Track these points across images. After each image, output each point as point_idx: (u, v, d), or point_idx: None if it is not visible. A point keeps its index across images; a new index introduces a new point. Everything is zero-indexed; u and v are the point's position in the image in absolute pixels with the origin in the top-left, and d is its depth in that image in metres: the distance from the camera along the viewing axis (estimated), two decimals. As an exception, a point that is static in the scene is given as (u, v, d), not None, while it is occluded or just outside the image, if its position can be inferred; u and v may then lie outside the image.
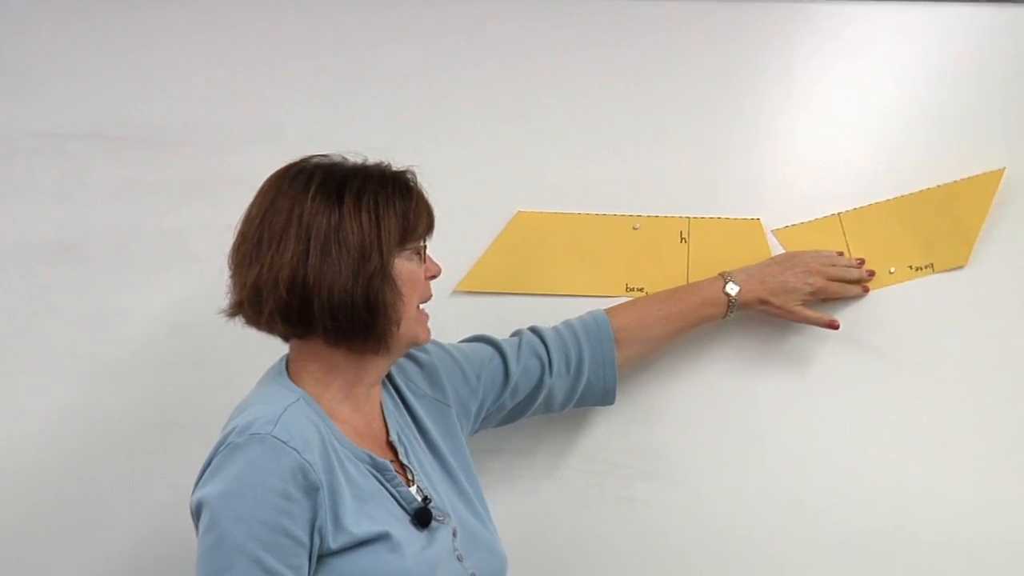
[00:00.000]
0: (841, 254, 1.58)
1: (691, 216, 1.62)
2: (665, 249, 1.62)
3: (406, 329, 1.25)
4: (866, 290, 1.58)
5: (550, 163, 1.64)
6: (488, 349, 1.46)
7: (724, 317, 1.53)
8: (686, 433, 1.61)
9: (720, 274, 1.54)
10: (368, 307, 1.20)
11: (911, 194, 1.59)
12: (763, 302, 1.53)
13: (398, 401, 1.37)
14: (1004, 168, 1.58)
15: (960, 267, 1.59)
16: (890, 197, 1.60)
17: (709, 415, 1.61)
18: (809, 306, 1.55)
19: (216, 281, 1.56)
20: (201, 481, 1.16)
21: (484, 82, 1.65)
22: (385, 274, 1.20)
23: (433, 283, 1.31)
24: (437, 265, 1.30)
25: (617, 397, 1.52)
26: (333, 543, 1.15)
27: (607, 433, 1.62)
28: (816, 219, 1.61)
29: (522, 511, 1.61)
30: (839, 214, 1.61)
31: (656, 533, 1.61)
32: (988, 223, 1.58)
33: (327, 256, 1.17)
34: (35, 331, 1.66)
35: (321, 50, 1.66)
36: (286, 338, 1.27)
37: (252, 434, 1.13)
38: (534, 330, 1.50)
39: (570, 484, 1.62)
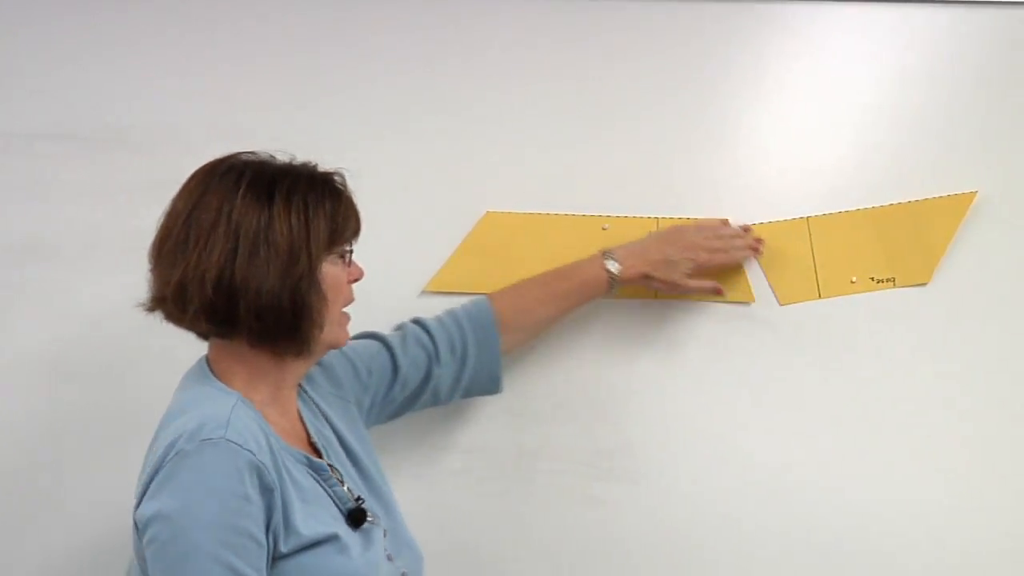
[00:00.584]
0: (726, 222, 1.59)
1: (660, 216, 1.62)
2: None
3: (328, 332, 1.24)
4: (758, 251, 1.59)
5: (519, 163, 1.64)
6: (375, 344, 1.45)
7: (608, 294, 1.53)
8: (652, 434, 1.62)
9: (601, 251, 1.53)
10: (294, 310, 1.19)
11: (881, 207, 1.60)
12: (646, 277, 1.53)
13: (309, 402, 1.35)
14: (976, 192, 1.58)
15: (922, 284, 1.60)
16: (860, 203, 1.60)
17: (674, 416, 1.62)
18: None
19: None
20: (148, 494, 1.11)
21: (453, 82, 1.64)
22: (312, 278, 1.19)
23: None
24: (360, 269, 1.29)
25: (503, 386, 1.53)
26: (284, 546, 1.13)
27: (574, 434, 1.63)
28: (783, 220, 1.61)
29: (490, 512, 1.63)
30: (807, 218, 1.61)
31: (622, 533, 1.62)
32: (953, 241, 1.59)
33: (255, 256, 1.16)
34: (2, 331, 1.66)
35: (289, 51, 1.65)
36: (206, 337, 1.26)
37: (204, 439, 1.10)
38: (417, 321, 1.49)
39: (537, 485, 1.63)
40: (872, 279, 1.60)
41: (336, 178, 1.25)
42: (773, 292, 1.62)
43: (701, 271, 1.54)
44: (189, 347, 1.48)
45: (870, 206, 1.60)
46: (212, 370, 1.25)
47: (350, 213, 1.25)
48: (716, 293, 1.56)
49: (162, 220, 1.23)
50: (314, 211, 1.20)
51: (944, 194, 1.59)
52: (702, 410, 1.61)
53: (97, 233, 1.65)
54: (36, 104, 1.66)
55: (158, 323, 1.59)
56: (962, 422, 1.59)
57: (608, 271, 1.51)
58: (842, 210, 1.61)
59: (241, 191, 1.18)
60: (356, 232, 1.27)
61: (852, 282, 1.61)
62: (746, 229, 1.59)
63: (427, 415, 1.56)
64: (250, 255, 1.16)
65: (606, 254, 1.52)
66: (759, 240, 1.59)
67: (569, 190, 1.63)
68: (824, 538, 1.60)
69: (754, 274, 1.62)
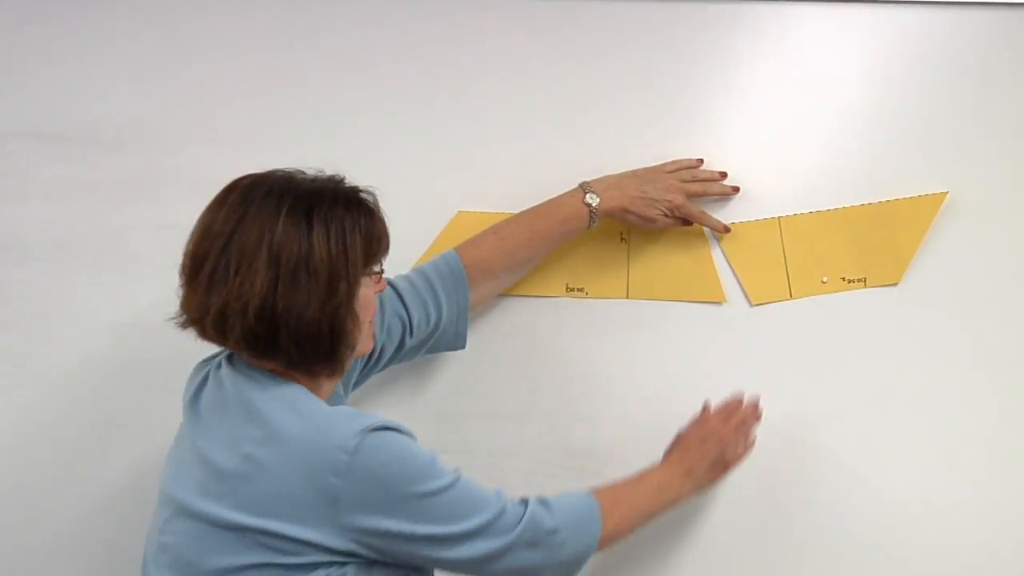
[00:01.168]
0: (701, 161, 1.59)
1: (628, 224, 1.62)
2: (605, 249, 1.63)
3: (359, 348, 1.27)
4: (735, 191, 1.60)
5: (491, 163, 1.64)
6: None
7: (588, 228, 1.54)
8: (623, 434, 1.62)
9: (580, 185, 1.54)
10: (332, 336, 1.20)
11: (852, 207, 1.60)
12: (624, 211, 1.54)
13: None
14: (947, 192, 1.58)
15: (893, 284, 1.60)
16: (831, 203, 1.61)
17: (646, 416, 1.61)
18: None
19: (155, 280, 1.55)
20: (369, 504, 1.17)
21: (424, 82, 1.65)
22: (349, 304, 1.21)
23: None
24: (384, 282, 1.32)
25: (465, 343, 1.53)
26: None
27: (550, 434, 1.63)
28: (754, 220, 1.61)
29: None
30: (779, 218, 1.61)
31: None
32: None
33: (296, 284, 1.17)
34: (-28, 331, 1.67)
35: (262, 50, 1.66)
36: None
37: (363, 430, 1.16)
38: (391, 285, 1.47)
39: (509, 485, 1.59)
40: (843, 279, 1.61)
41: (368, 198, 1.26)
42: (744, 292, 1.62)
43: (677, 212, 1.56)
44: (158, 349, 1.55)
45: (841, 206, 1.60)
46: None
47: (383, 233, 1.27)
48: (686, 224, 1.58)
49: (195, 237, 1.22)
50: (351, 235, 1.21)
51: (915, 195, 1.59)
52: (674, 410, 1.58)
53: (68, 232, 1.65)
54: (5, 104, 1.67)
55: (129, 324, 1.62)
56: (936, 420, 1.59)
57: (588, 204, 1.52)
58: (813, 210, 1.61)
59: (281, 217, 1.18)
60: (387, 250, 1.29)
61: (823, 282, 1.61)
62: (723, 175, 1.60)
63: (399, 416, 1.55)
64: (291, 282, 1.17)
65: (585, 187, 1.53)
66: (735, 188, 1.60)
67: (540, 190, 1.60)
68: (802, 537, 1.60)
69: (725, 274, 1.62)
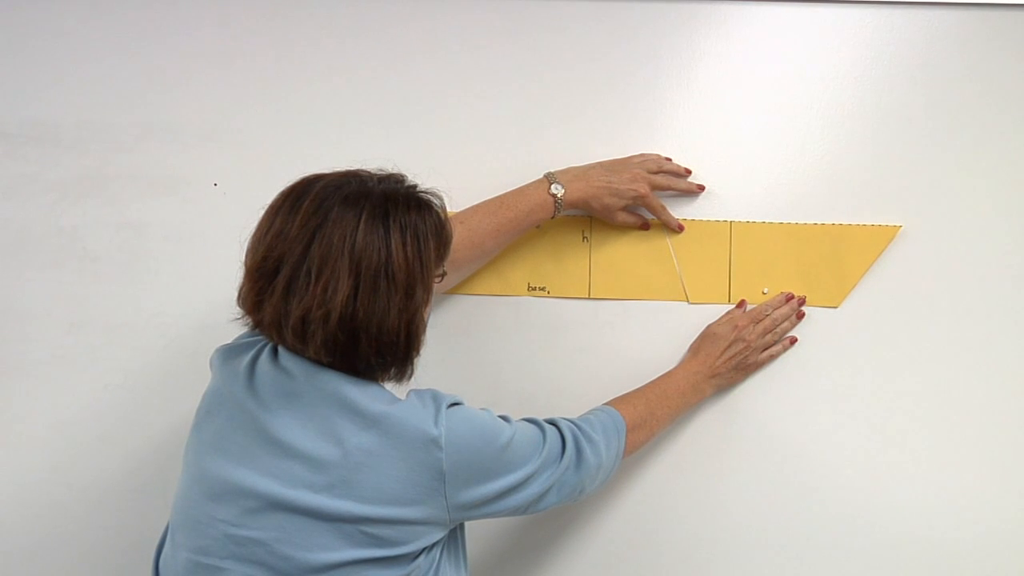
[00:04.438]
0: (669, 159, 1.59)
1: (592, 215, 1.61)
2: (567, 248, 1.62)
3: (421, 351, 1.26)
4: (701, 189, 1.60)
5: (452, 162, 1.63)
6: None
7: (552, 218, 1.53)
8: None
9: (545, 175, 1.53)
10: (408, 342, 1.20)
11: (806, 224, 1.60)
12: (586, 202, 1.54)
13: None
14: (900, 226, 1.58)
15: (833, 307, 1.60)
16: (786, 217, 1.60)
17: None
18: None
19: (113, 279, 1.61)
20: (474, 475, 1.21)
21: (389, 80, 1.64)
22: (423, 310, 1.22)
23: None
24: (441, 281, 1.30)
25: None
26: None
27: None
28: (708, 220, 1.61)
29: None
30: (731, 221, 1.61)
31: (554, 533, 1.62)
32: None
33: (376, 292, 1.16)
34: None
35: (225, 46, 1.65)
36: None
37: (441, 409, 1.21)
38: None
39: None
40: (783, 294, 1.59)
41: (436, 200, 1.25)
42: (684, 289, 1.61)
43: (639, 204, 1.56)
44: (112, 347, 1.60)
45: (795, 221, 1.60)
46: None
47: (451, 235, 1.27)
48: (644, 228, 1.59)
49: (266, 239, 1.19)
50: (424, 241, 1.20)
51: (869, 223, 1.59)
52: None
53: (24, 230, 1.65)
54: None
55: (85, 320, 1.63)
56: (857, 446, 1.60)
57: (553, 194, 1.51)
58: (767, 220, 1.60)
59: (361, 224, 1.16)
60: (450, 251, 1.28)
61: (763, 293, 1.60)
62: (688, 172, 1.60)
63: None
64: (372, 290, 1.16)
65: (550, 178, 1.53)
66: (701, 187, 1.60)
67: (503, 189, 1.58)
68: (757, 543, 1.60)
69: (670, 269, 1.61)
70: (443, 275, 1.27)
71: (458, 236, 1.48)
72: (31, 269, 1.63)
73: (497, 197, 1.53)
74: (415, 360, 1.23)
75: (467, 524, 1.31)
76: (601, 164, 1.56)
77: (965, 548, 1.58)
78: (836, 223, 1.60)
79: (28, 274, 1.64)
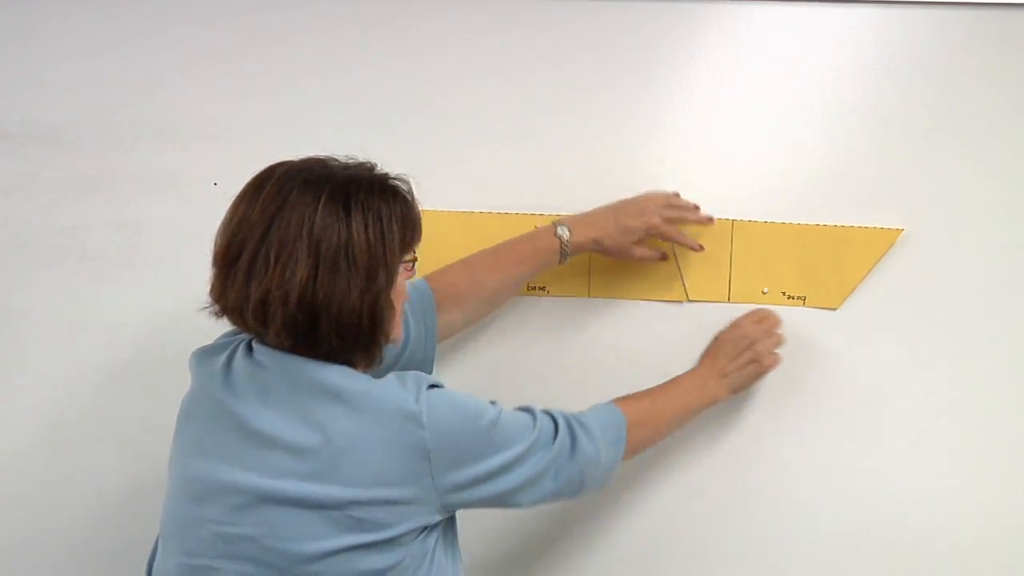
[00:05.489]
0: (677, 195, 1.57)
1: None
2: None
3: (392, 336, 1.25)
4: (710, 220, 1.59)
5: (451, 162, 1.62)
6: None
7: (560, 262, 1.52)
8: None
9: (553, 221, 1.53)
10: (371, 325, 1.19)
11: (807, 225, 1.59)
12: (596, 242, 1.52)
13: None
14: (902, 229, 1.58)
15: (832, 308, 1.60)
16: (789, 217, 1.60)
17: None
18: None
19: (112, 278, 1.63)
20: (459, 457, 1.20)
21: (389, 80, 1.63)
22: (387, 293, 1.21)
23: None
24: (415, 269, 1.30)
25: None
26: None
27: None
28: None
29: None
30: (732, 220, 1.60)
31: (544, 533, 1.63)
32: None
33: (336, 273, 1.16)
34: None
35: (216, 48, 1.64)
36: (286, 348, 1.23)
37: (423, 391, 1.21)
38: None
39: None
40: (783, 294, 1.60)
41: (403, 185, 1.25)
42: (684, 285, 1.61)
43: (651, 235, 1.54)
44: (112, 347, 1.60)
45: (797, 222, 1.60)
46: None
47: (418, 221, 1.26)
48: (662, 259, 1.58)
49: (230, 226, 1.20)
50: (388, 223, 1.20)
51: (871, 225, 1.59)
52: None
53: (24, 229, 1.64)
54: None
55: (84, 319, 1.63)
56: (855, 448, 1.61)
57: (559, 238, 1.50)
58: (769, 220, 1.60)
59: (320, 206, 1.16)
60: (420, 237, 1.28)
61: (763, 292, 1.60)
62: (696, 207, 1.58)
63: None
64: (332, 271, 1.16)
65: (557, 223, 1.52)
66: (710, 218, 1.59)
67: (501, 189, 1.62)
68: (757, 543, 1.61)
69: (670, 266, 1.61)
70: (415, 261, 1.26)
71: (457, 270, 1.52)
72: (31, 269, 1.64)
73: (508, 240, 1.53)
74: (383, 344, 1.23)
75: (466, 524, 1.31)
76: (608, 206, 1.55)
77: (965, 548, 1.59)
78: (838, 224, 1.59)
79: (28, 274, 1.64)
